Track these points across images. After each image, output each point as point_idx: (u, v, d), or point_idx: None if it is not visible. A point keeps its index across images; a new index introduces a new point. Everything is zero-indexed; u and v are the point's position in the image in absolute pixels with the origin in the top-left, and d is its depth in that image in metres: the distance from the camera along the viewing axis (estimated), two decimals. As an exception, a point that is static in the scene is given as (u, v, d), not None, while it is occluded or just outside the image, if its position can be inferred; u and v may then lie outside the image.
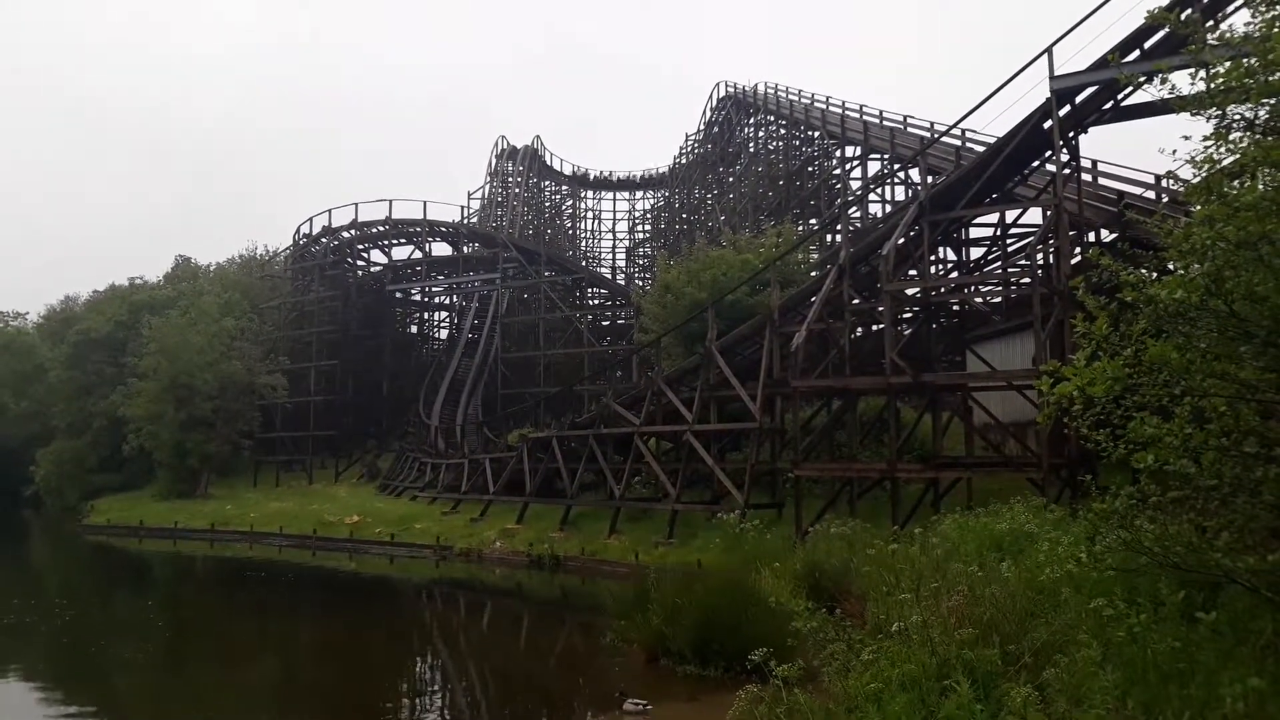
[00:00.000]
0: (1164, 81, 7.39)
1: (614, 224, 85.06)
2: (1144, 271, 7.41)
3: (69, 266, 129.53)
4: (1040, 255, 21.96)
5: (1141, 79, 8.85)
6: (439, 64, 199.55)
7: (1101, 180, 24.56)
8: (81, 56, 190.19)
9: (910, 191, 37.53)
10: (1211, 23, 15.97)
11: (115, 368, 51.95)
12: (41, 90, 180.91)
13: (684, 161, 75.02)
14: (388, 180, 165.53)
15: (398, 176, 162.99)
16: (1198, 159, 7.19)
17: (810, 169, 49.48)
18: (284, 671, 17.31)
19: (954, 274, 29.14)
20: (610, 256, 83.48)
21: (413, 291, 60.71)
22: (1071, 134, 20.85)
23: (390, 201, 55.48)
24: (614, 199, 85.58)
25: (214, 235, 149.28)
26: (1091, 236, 22.88)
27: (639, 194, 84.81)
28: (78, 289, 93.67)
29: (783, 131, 54.43)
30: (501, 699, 14.90)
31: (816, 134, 48.03)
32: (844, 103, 44.77)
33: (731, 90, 65.53)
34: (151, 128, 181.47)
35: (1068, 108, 20.31)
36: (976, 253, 29.07)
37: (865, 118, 41.92)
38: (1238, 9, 17.50)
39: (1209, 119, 7.23)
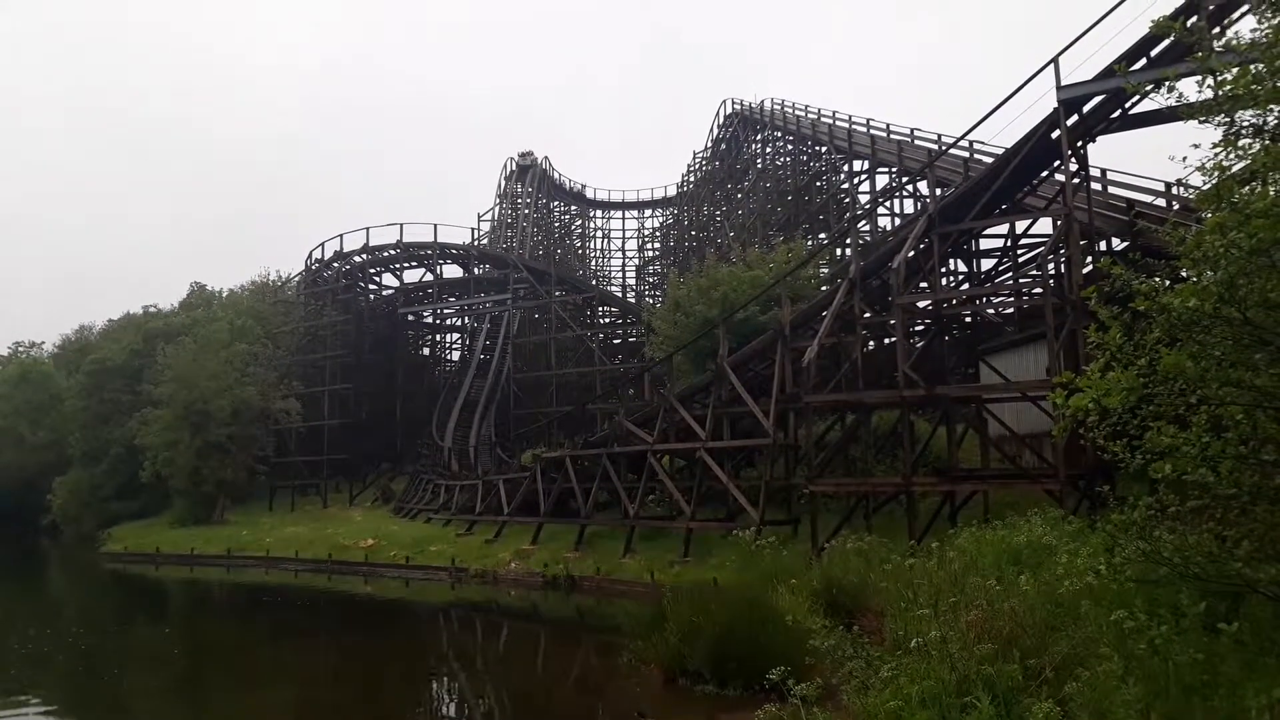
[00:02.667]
0: (1171, 89, 7.39)
1: (623, 242, 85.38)
2: (1156, 280, 7.36)
3: (108, 289, 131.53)
4: (1051, 265, 21.89)
5: (1149, 87, 8.83)
6: (463, 87, 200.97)
7: (1111, 189, 24.48)
8: (126, 73, 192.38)
9: (919, 204, 37.56)
10: (1218, 30, 15.97)
11: (131, 396, 52.31)
12: (82, 110, 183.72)
13: (692, 179, 75.28)
14: (424, 202, 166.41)
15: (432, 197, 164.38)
16: (1207, 166, 7.17)
17: (818, 184, 49.54)
18: (301, 696, 17.26)
19: (965, 286, 29.05)
20: (620, 275, 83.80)
21: (424, 314, 60.95)
22: (1080, 143, 20.81)
23: (401, 225, 56.14)
24: (623, 217, 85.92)
25: (253, 257, 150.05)
26: (1103, 245, 22.80)
27: (648, 212, 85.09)
28: (94, 318, 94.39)
29: (790, 147, 54.57)
30: (519, 721, 14.84)
31: (824, 148, 48.12)
32: (850, 117, 44.87)
33: (738, 107, 65.80)
34: (194, 149, 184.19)
35: (1075, 117, 20.28)
36: (987, 264, 29.03)
37: (872, 131, 41.98)
38: (1243, 16, 17.48)
39: (1218, 125, 7.21)
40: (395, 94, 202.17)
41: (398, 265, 58.62)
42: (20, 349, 71.96)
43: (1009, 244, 27.62)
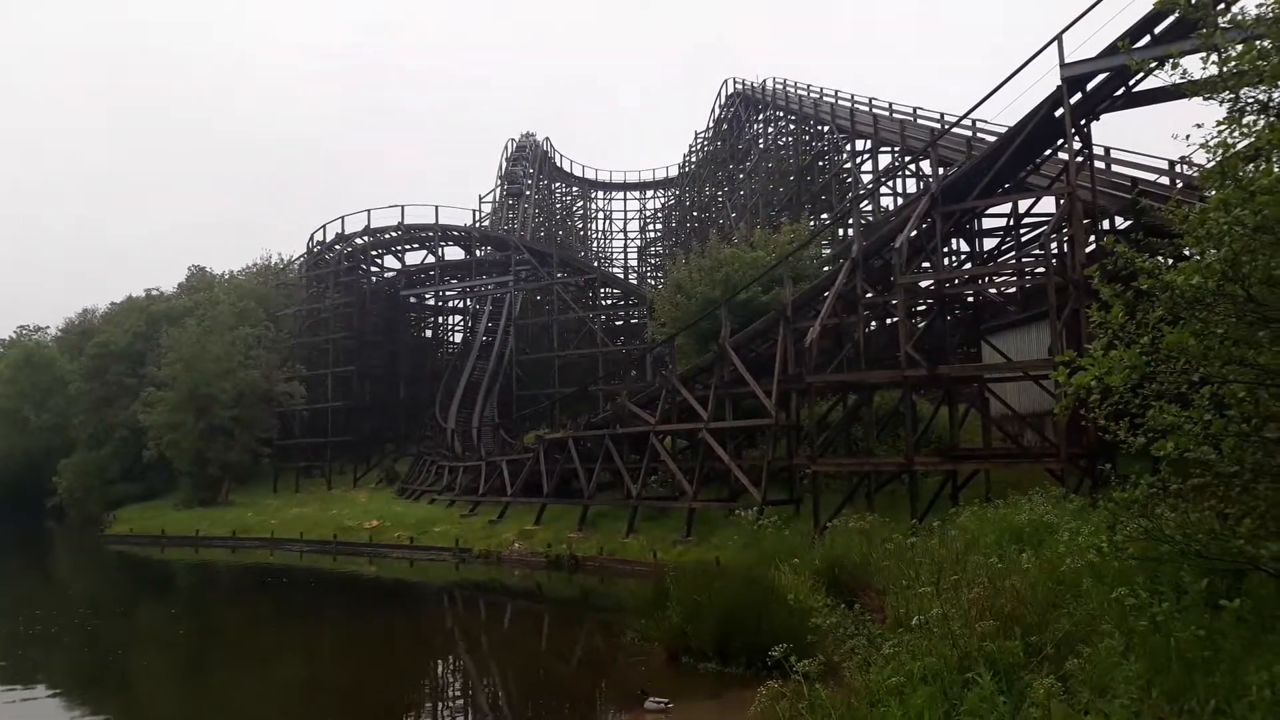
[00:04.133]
0: (1175, 67, 7.34)
1: (625, 223, 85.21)
2: (1160, 258, 7.33)
3: (112, 271, 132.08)
4: (1054, 244, 21.84)
5: (1153, 64, 8.77)
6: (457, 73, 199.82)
7: (1115, 167, 24.40)
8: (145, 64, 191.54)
9: (922, 184, 37.43)
10: (1223, 5, 15.82)
11: (134, 378, 52.44)
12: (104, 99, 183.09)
13: (694, 159, 74.95)
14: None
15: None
16: (1212, 143, 7.13)
17: (820, 164, 49.33)
18: (307, 675, 17.41)
19: (967, 265, 29.00)
20: (622, 256, 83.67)
21: (426, 296, 60.94)
22: (1083, 121, 20.70)
23: (402, 207, 56.07)
24: (624, 198, 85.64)
25: (253, 242, 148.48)
26: (1106, 224, 22.73)
27: (649, 193, 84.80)
28: (96, 301, 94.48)
29: (792, 127, 54.33)
30: (524, 699, 14.94)
31: (826, 128, 47.90)
32: (853, 96, 44.67)
33: (740, 87, 65.42)
34: (196, 132, 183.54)
35: (1079, 95, 20.16)
36: (990, 243, 28.96)
37: (875, 111, 41.76)
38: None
39: (1222, 103, 7.17)
40: (392, 85, 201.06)
41: (399, 247, 58.60)
42: (24, 332, 71.99)
43: (1012, 223, 27.51)
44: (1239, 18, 7.55)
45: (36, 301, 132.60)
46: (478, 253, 58.83)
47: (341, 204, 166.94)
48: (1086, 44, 19.57)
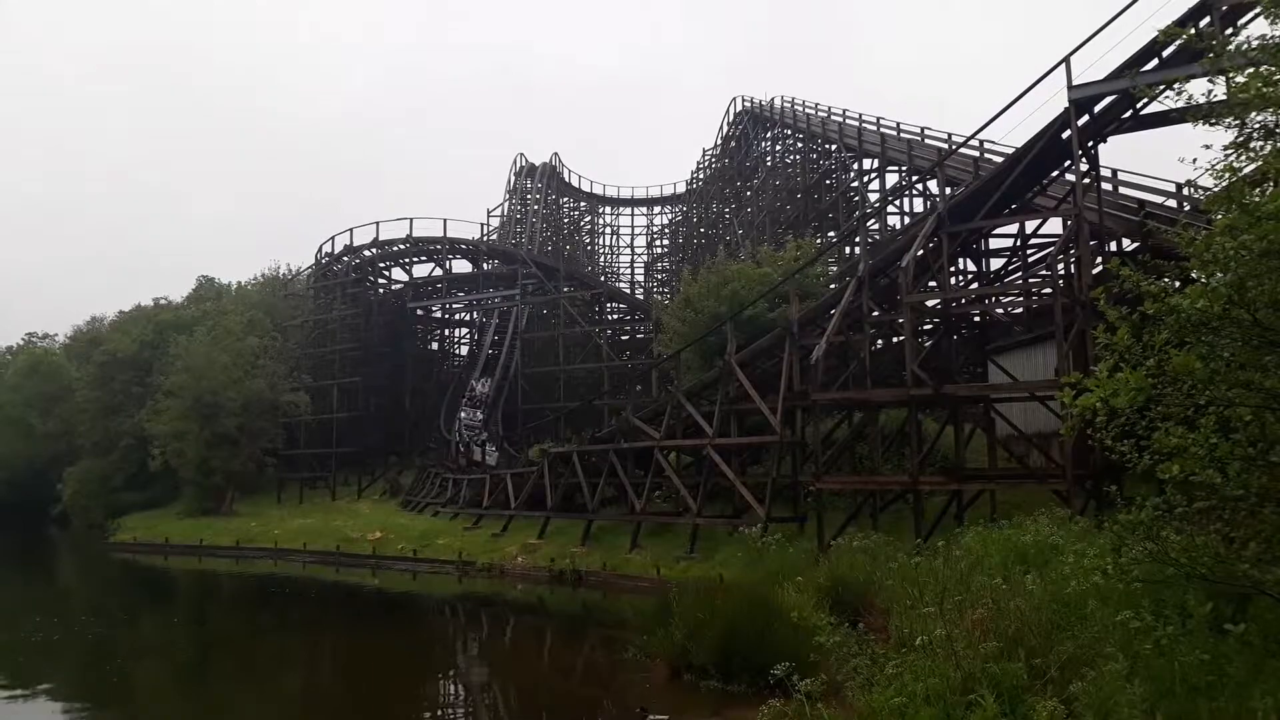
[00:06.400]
0: (1180, 93, 7.40)
1: (632, 239, 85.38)
2: (1166, 281, 7.36)
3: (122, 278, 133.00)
4: (1061, 265, 21.83)
5: (1159, 88, 8.82)
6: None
7: (1122, 189, 24.40)
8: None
9: (928, 203, 37.43)
10: (1230, 30, 15.92)
11: (141, 387, 52.61)
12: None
13: (701, 176, 75.19)
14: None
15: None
16: (1218, 168, 7.18)
17: (828, 182, 49.44)
18: (308, 688, 17.39)
19: (974, 285, 28.99)
20: (629, 271, 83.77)
21: (433, 308, 61.03)
22: (1090, 143, 20.74)
23: (411, 220, 56.09)
24: (632, 214, 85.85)
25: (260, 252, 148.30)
26: (1113, 246, 22.74)
27: (657, 209, 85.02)
28: (105, 309, 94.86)
29: (800, 145, 54.47)
30: (524, 714, 14.92)
31: (834, 147, 48.01)
32: (861, 115, 44.74)
33: (748, 105, 65.68)
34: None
35: (1086, 117, 20.22)
36: (996, 263, 28.94)
37: (883, 130, 41.86)
38: (1254, 18, 17.39)
39: (1229, 128, 7.21)
40: (393, 104, 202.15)
41: (407, 260, 58.72)
42: (32, 340, 72.35)
43: (1018, 243, 27.55)
44: (1244, 46, 7.60)
45: (48, 310, 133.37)
46: (485, 266, 59.00)
47: (344, 217, 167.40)
48: (1095, 66, 19.66)
